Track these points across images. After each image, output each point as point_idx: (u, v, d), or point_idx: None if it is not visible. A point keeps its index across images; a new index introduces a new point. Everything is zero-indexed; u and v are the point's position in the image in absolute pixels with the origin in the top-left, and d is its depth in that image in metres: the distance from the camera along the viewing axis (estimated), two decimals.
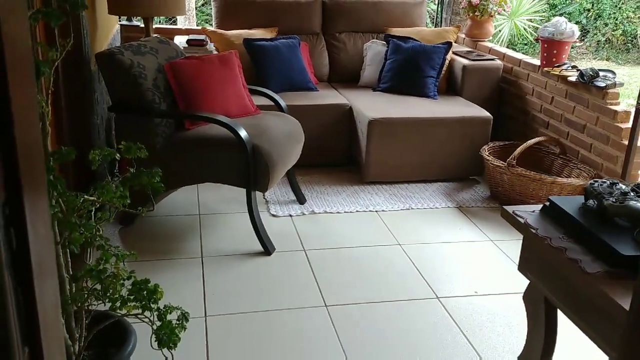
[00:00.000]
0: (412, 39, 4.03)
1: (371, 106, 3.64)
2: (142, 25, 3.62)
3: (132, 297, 1.53)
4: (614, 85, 3.15)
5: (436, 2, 5.75)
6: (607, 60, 9.28)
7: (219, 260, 2.73)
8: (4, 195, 0.62)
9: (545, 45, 3.63)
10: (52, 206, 1.40)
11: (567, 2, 9.34)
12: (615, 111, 3.09)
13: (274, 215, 3.19)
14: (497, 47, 4.32)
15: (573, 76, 3.41)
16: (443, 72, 3.98)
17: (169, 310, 1.53)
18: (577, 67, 3.49)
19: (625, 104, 3.18)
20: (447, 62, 4.00)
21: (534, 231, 1.33)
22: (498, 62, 4.03)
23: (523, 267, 1.50)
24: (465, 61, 3.99)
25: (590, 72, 3.26)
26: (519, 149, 3.31)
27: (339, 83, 4.18)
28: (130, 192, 1.60)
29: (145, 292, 1.50)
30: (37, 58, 1.54)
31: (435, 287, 2.57)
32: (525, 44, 8.86)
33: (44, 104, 1.43)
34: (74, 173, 2.67)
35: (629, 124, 3.00)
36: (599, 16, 9.47)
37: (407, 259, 2.80)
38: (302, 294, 2.48)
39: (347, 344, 2.18)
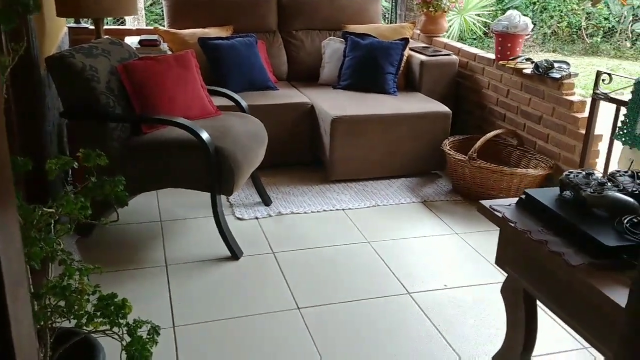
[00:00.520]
0: (369, 35, 4.03)
1: (333, 104, 3.61)
2: (92, 27, 3.48)
3: (98, 313, 1.44)
4: (569, 75, 3.23)
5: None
6: (553, 52, 9.57)
7: (184, 267, 2.65)
8: None
9: (500, 39, 3.69)
10: None
11: None
12: (572, 101, 3.16)
13: (239, 219, 3.12)
14: (452, 42, 4.37)
15: (528, 68, 3.47)
16: (401, 68, 4.00)
17: (138, 325, 1.45)
18: (531, 59, 3.56)
19: (576, 94, 3.26)
20: (404, 58, 4.02)
21: (512, 225, 1.33)
22: (454, 57, 4.08)
23: (501, 260, 1.50)
24: (422, 57, 4.01)
25: (545, 64, 3.32)
26: (478, 142, 3.36)
27: (299, 81, 4.13)
28: (90, 202, 1.51)
29: (112, 307, 1.42)
30: None
31: (406, 283, 2.56)
32: (474, 39, 9.04)
33: None
34: (26, 184, 2.53)
35: (585, 114, 3.08)
36: (545, 9, 9.75)
37: (376, 256, 2.79)
38: (273, 298, 2.43)
39: (322, 345, 2.15)
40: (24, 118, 2.60)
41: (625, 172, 1.38)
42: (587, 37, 9.67)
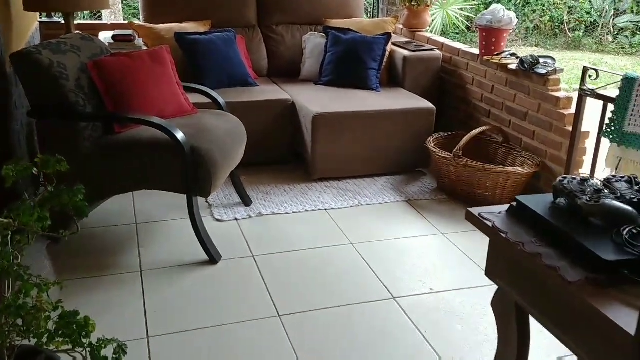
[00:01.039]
0: (351, 30, 3.93)
1: (314, 101, 3.51)
2: (64, 22, 3.33)
3: (60, 332, 1.34)
4: (555, 71, 3.17)
5: None
6: (536, 46, 9.56)
7: (160, 273, 2.54)
8: None
9: (484, 34, 3.61)
10: None
11: None
12: (558, 98, 3.10)
13: (218, 220, 3.01)
14: (436, 37, 4.29)
15: (513, 64, 3.40)
16: (384, 63, 3.91)
17: (103, 345, 1.35)
18: (516, 54, 3.49)
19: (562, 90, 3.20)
20: (387, 53, 3.93)
21: (503, 235, 1.25)
22: (437, 52, 4.00)
23: (491, 272, 1.41)
24: (405, 52, 3.93)
25: (531, 59, 3.26)
26: (463, 140, 3.28)
27: (279, 77, 4.02)
28: (52, 210, 1.40)
29: (74, 326, 1.31)
30: None
31: (391, 287, 2.48)
32: (457, 33, 8.99)
33: None
34: None
35: (572, 110, 3.01)
36: (527, 3, 9.73)
37: (360, 258, 2.71)
38: (252, 305, 2.33)
39: (303, 354, 2.06)
40: None
41: (622, 177, 1.30)
42: (569, 32, 9.67)
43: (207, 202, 3.18)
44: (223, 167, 2.61)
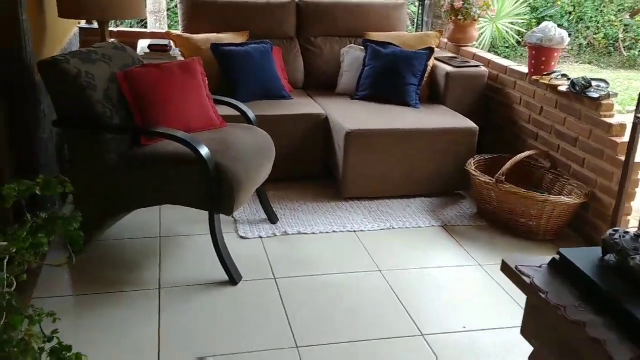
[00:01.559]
0: (391, 44, 3.79)
1: (349, 116, 3.38)
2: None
3: None
4: (608, 95, 2.94)
5: (416, 4, 5.53)
6: (589, 63, 9.16)
7: (178, 292, 2.45)
8: None
9: (533, 52, 3.40)
10: None
11: (549, 4, 9.20)
12: (610, 124, 2.87)
13: (242, 237, 2.91)
14: (482, 53, 4.09)
15: (563, 85, 3.19)
16: (425, 79, 3.74)
17: None
18: (567, 75, 3.27)
19: (615, 116, 2.96)
20: (429, 68, 3.76)
21: (543, 295, 1.08)
22: (483, 68, 3.80)
23: (527, 332, 1.24)
24: (448, 67, 3.75)
25: (582, 82, 3.04)
26: (507, 164, 3.08)
27: (315, 90, 3.91)
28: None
29: None
30: None
31: (420, 322, 2.31)
32: (507, 47, 8.71)
33: None
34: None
35: (625, 138, 2.78)
36: (581, 19, 9.35)
37: (388, 287, 2.54)
38: (270, 333, 2.21)
39: None
40: (12, 126, 2.44)
41: None
42: (624, 50, 9.23)
43: (232, 217, 3.08)
44: (247, 185, 2.50)
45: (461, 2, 4.09)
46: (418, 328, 2.28)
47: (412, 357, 2.12)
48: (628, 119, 2.81)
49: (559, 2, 9.15)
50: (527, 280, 1.13)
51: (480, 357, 2.13)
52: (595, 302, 1.06)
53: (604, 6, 9.29)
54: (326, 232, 2.99)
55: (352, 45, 3.97)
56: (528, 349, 1.44)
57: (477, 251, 2.90)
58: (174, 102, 2.65)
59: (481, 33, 6.61)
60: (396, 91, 3.65)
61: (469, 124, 3.44)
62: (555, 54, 3.36)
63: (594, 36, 9.31)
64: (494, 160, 3.40)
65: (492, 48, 7.45)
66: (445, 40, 4.37)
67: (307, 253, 2.79)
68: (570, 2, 9.29)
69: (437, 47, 4.02)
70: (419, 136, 3.33)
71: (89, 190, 2.58)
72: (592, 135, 2.99)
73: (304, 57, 4.00)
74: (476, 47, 4.37)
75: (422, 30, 4.84)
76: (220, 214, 2.50)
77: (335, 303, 2.41)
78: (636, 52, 9.11)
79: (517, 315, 2.35)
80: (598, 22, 9.27)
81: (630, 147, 2.65)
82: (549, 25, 3.35)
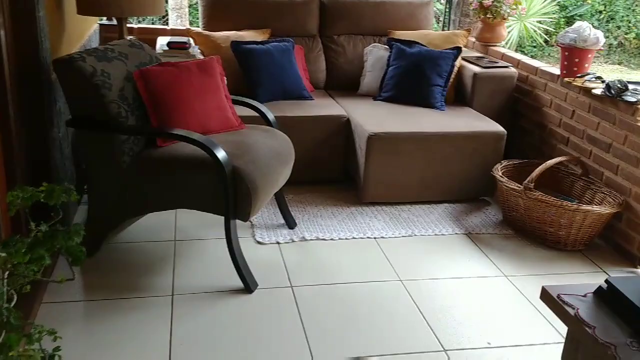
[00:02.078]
0: (417, 43, 3.66)
1: (371, 118, 3.27)
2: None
3: None
4: None
5: (443, 2, 5.38)
6: (619, 64, 8.90)
7: (191, 299, 2.37)
8: None
9: (566, 53, 3.25)
10: None
11: (579, 3, 8.95)
12: None
13: (259, 242, 2.82)
14: (511, 53, 3.94)
15: (598, 88, 3.03)
16: (451, 80, 3.61)
17: None
18: (602, 78, 3.11)
19: None
20: (455, 69, 3.63)
21: (590, 331, 0.97)
22: (512, 69, 3.66)
23: None
24: (476, 68, 3.61)
25: (619, 85, 2.88)
26: (536, 171, 2.94)
27: (337, 90, 3.80)
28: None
29: None
30: None
31: (442, 337, 2.20)
32: (534, 47, 8.49)
33: None
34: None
35: None
36: (612, 19, 9.08)
37: (409, 299, 2.44)
38: (285, 345, 2.12)
39: None
40: (25, 124, 2.39)
41: None
42: None
43: (250, 221, 3.00)
44: (265, 190, 2.41)
45: (491, 1, 3.95)
46: (440, 343, 2.16)
47: None
48: None
49: (589, 1, 8.89)
50: (571, 311, 1.02)
51: None
52: None
53: (636, 5, 9.00)
54: (345, 239, 2.89)
55: (376, 44, 3.85)
56: None
57: (503, 261, 2.77)
58: (191, 102, 2.57)
59: (509, 32, 6.44)
60: (421, 93, 3.53)
61: (497, 127, 3.31)
62: (590, 56, 3.21)
63: (625, 36, 9.03)
64: (522, 166, 3.26)
65: (520, 48, 7.25)
66: (473, 39, 4.23)
67: (325, 261, 2.70)
68: (601, 0, 9.02)
69: (464, 46, 3.89)
70: (443, 140, 3.21)
71: (103, 192, 2.52)
72: (628, 142, 2.83)
73: (326, 56, 3.89)
74: (504, 47, 4.22)
75: (448, 29, 4.70)
76: (236, 220, 2.41)
77: (353, 314, 2.31)
78: None
79: (545, 332, 2.23)
80: (630, 22, 8.99)
81: None
82: (583, 25, 3.19)
